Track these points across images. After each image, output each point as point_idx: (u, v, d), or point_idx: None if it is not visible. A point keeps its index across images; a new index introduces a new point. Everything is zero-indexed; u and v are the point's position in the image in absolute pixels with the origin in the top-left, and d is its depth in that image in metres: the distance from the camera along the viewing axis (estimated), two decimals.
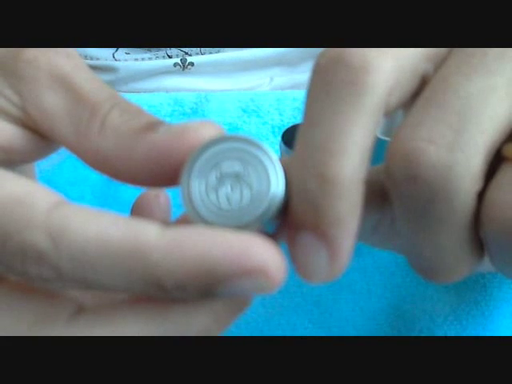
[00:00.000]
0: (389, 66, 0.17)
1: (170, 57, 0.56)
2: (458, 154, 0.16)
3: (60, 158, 0.39)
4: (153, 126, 0.18)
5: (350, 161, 0.17)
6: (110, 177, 0.19)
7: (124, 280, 0.16)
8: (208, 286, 0.16)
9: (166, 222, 0.17)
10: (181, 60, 0.56)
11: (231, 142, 0.17)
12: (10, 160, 0.20)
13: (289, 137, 0.35)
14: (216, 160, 0.17)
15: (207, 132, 0.18)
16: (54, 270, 0.16)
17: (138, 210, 0.24)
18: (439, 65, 0.18)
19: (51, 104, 0.19)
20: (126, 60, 0.56)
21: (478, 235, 0.18)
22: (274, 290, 0.16)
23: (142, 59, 0.56)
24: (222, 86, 0.57)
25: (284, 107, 0.45)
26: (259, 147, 0.17)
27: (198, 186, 0.17)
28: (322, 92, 0.17)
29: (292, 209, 0.17)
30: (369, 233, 0.21)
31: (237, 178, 0.17)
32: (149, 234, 0.16)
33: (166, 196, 0.24)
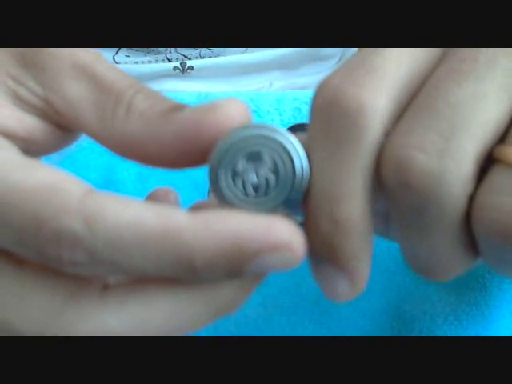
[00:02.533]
0: (383, 104, 0.18)
1: (169, 60, 0.56)
2: (449, 161, 0.17)
3: (60, 157, 0.39)
4: (178, 107, 0.19)
5: (357, 201, 0.18)
6: (137, 161, 0.20)
7: (156, 262, 0.17)
8: (237, 264, 0.17)
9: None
10: (180, 64, 0.56)
11: (257, 130, 0.18)
12: (29, 151, 0.21)
13: None
14: (243, 148, 0.18)
15: (234, 109, 0.18)
16: (89, 254, 0.17)
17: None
18: (431, 71, 0.18)
19: (75, 93, 0.20)
20: (126, 63, 0.56)
21: (472, 235, 0.18)
22: (296, 264, 0.17)
23: (142, 62, 0.56)
24: (221, 89, 0.57)
25: (284, 107, 0.45)
26: (283, 135, 0.18)
27: (224, 173, 0.18)
28: (321, 136, 0.18)
29: (310, 248, 0.19)
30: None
31: (262, 165, 0.18)
32: (179, 217, 0.17)
33: (176, 194, 0.24)
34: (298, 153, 0.18)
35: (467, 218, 0.18)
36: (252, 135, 0.18)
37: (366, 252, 0.19)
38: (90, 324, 0.17)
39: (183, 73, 0.56)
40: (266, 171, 0.18)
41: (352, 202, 0.18)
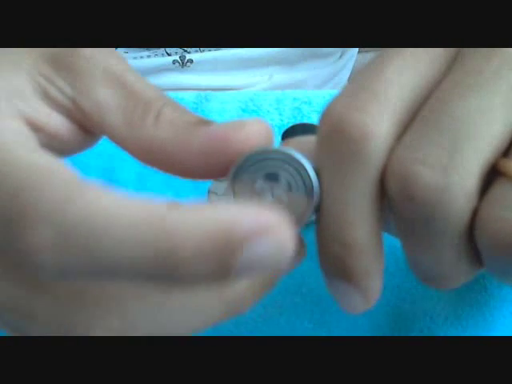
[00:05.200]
0: (386, 128, 0.18)
1: (168, 54, 0.56)
2: (453, 175, 0.17)
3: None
4: (206, 121, 0.20)
5: (365, 224, 0.18)
6: (159, 168, 0.20)
7: (132, 254, 0.15)
8: (224, 256, 0.15)
9: None
10: (180, 57, 0.56)
11: (277, 153, 0.19)
12: (52, 146, 0.21)
13: (289, 137, 0.35)
14: (263, 167, 0.19)
15: (260, 129, 0.19)
16: (58, 237, 0.15)
17: None
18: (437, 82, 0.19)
19: (103, 97, 0.20)
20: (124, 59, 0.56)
21: (475, 246, 0.19)
22: (285, 259, 0.16)
23: (141, 57, 0.56)
24: (221, 82, 0.57)
25: (284, 107, 0.45)
26: (300, 161, 0.19)
27: (242, 187, 0.19)
28: (328, 163, 0.19)
29: (324, 265, 0.20)
30: None
31: (278, 186, 0.19)
32: (161, 204, 0.16)
33: None
34: (310, 178, 0.19)
35: (471, 230, 0.18)
36: (273, 157, 0.19)
37: (378, 269, 0.19)
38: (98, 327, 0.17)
39: (183, 66, 0.56)
40: (280, 192, 0.19)
41: (360, 226, 0.18)
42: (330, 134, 0.18)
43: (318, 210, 0.20)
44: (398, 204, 0.18)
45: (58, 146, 0.21)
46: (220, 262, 0.15)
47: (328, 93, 0.47)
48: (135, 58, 0.56)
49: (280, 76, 0.59)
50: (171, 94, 0.46)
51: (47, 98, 0.21)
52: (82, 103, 0.21)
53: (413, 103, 0.18)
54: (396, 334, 0.31)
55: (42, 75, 0.21)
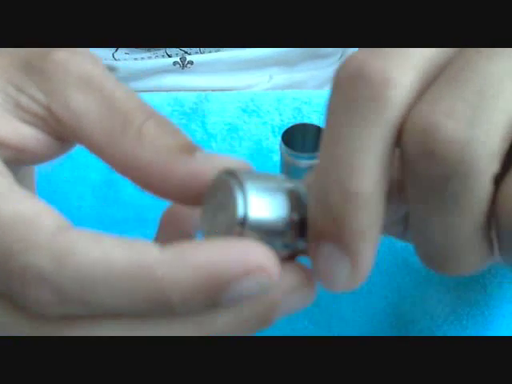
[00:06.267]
0: (409, 80, 0.17)
1: (169, 56, 0.56)
2: (477, 129, 0.16)
3: (60, 157, 0.39)
4: (190, 148, 0.19)
5: (372, 175, 0.17)
6: (134, 183, 0.20)
7: (129, 301, 0.16)
8: (214, 293, 0.16)
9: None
10: (180, 59, 0.56)
11: (226, 176, 0.19)
12: (20, 160, 0.21)
13: (289, 137, 0.35)
14: (215, 191, 0.19)
15: (240, 167, 0.19)
16: (55, 293, 0.16)
17: (166, 225, 0.24)
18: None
19: (79, 103, 0.19)
20: (125, 60, 0.56)
21: (493, 224, 0.18)
22: (271, 287, 0.17)
23: (142, 58, 0.56)
24: (221, 83, 0.57)
25: (284, 107, 0.45)
26: (236, 179, 0.18)
27: (206, 213, 0.19)
28: (343, 108, 0.17)
29: (313, 220, 0.18)
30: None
31: (219, 207, 0.19)
32: (151, 252, 0.16)
33: (193, 217, 0.24)
34: (244, 197, 0.18)
35: (490, 206, 0.17)
36: (222, 180, 0.18)
37: (374, 233, 0.18)
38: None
39: (183, 68, 0.56)
40: (220, 212, 0.19)
41: (368, 175, 0.17)
42: (349, 78, 0.17)
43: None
44: (415, 163, 0.17)
45: (26, 159, 0.21)
46: (209, 300, 0.17)
47: (328, 93, 0.47)
48: (136, 59, 0.56)
49: (280, 77, 0.59)
50: (171, 94, 0.46)
51: (18, 108, 0.20)
52: (57, 110, 0.20)
53: (438, 60, 0.18)
54: (396, 334, 0.31)
55: (12, 84, 0.20)
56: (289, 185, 0.19)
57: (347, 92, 0.17)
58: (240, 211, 0.18)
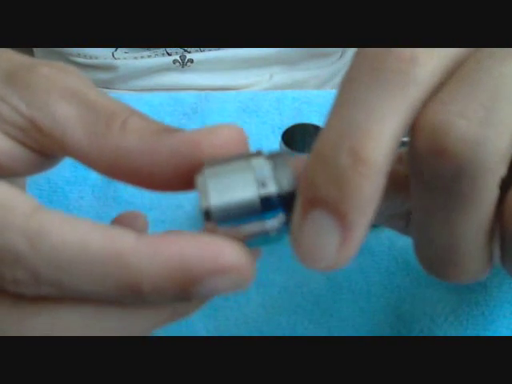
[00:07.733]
0: (436, 64, 0.17)
1: (169, 54, 0.56)
2: (489, 130, 0.16)
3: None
4: (174, 128, 0.19)
5: (385, 145, 0.17)
6: (127, 181, 0.20)
7: (101, 286, 0.16)
8: (184, 287, 0.17)
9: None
10: (180, 57, 0.56)
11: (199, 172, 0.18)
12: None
13: (289, 137, 0.35)
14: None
15: (231, 134, 0.19)
16: (31, 274, 0.16)
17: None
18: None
19: (64, 113, 0.19)
20: (125, 59, 0.56)
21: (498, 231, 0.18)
22: (246, 286, 0.17)
23: (142, 57, 0.56)
24: (221, 82, 0.57)
25: (284, 107, 0.45)
26: (201, 172, 0.18)
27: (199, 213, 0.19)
28: (369, 76, 0.17)
29: (309, 184, 0.17)
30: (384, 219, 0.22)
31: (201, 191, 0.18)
32: (127, 239, 0.17)
33: (145, 218, 0.24)
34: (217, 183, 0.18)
35: (496, 211, 0.17)
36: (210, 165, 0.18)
37: (371, 207, 0.17)
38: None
39: (183, 66, 0.56)
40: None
41: (382, 145, 0.16)
42: (377, 52, 0.17)
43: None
44: (424, 162, 0.17)
45: (3, 172, 0.20)
46: (180, 293, 0.17)
47: (328, 93, 0.47)
48: (136, 57, 0.56)
49: (280, 76, 0.59)
50: (172, 94, 0.46)
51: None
52: (39, 120, 0.19)
53: (458, 55, 0.18)
54: (396, 334, 0.31)
55: None
56: (262, 161, 0.18)
57: (374, 62, 0.17)
58: (203, 205, 0.18)
